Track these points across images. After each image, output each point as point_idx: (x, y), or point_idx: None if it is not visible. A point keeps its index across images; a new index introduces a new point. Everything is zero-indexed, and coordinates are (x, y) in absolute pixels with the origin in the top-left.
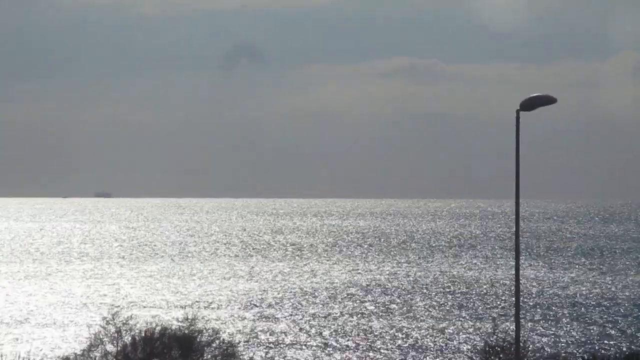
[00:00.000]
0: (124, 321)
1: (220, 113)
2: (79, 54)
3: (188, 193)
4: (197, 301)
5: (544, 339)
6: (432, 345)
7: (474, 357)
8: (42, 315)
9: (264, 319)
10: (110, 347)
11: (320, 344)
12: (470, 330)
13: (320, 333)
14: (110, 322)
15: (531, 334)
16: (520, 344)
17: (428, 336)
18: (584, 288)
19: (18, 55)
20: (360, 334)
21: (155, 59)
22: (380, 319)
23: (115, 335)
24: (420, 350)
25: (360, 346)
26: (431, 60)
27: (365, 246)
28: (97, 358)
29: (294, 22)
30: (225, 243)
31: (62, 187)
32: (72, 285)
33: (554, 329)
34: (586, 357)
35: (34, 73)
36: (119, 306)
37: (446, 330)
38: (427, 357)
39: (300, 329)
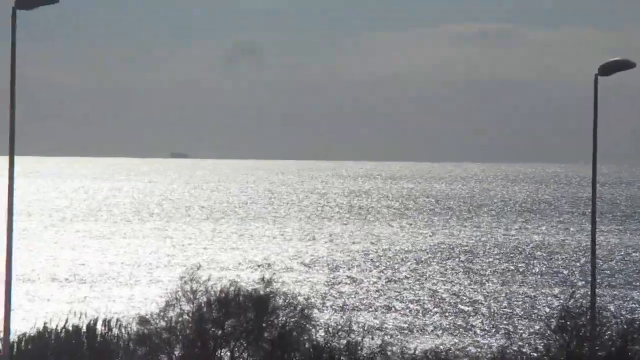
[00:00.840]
0: (200, 281)
1: (295, 75)
2: (156, 16)
3: (264, 155)
4: (273, 262)
5: (621, 305)
6: (510, 311)
7: (551, 322)
8: (119, 274)
9: (339, 282)
10: (186, 307)
11: (396, 308)
12: (548, 295)
13: (397, 297)
14: (187, 281)
15: (607, 299)
16: (596, 309)
17: (505, 301)
18: None
19: (99, 18)
20: (436, 297)
21: (234, 19)
22: (458, 283)
23: (191, 295)
24: (497, 315)
25: (435, 310)
26: (505, 25)
27: (442, 210)
28: (173, 317)
29: None
30: (299, 205)
31: (139, 147)
32: (148, 245)
33: (630, 295)
34: None
35: (109, 35)
36: (194, 266)
37: (524, 295)
38: (504, 322)
39: (377, 292)
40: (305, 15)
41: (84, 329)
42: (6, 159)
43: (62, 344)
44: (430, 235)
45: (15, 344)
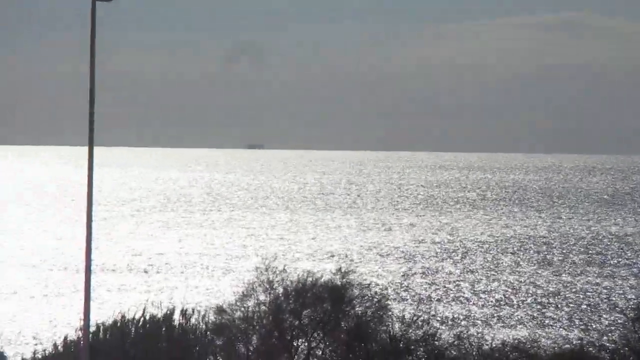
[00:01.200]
0: (276, 272)
1: (363, 66)
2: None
3: (339, 146)
4: (349, 253)
5: None
6: (587, 302)
7: (629, 313)
8: (196, 265)
9: (415, 273)
10: (263, 297)
11: (472, 299)
12: (625, 286)
13: (473, 288)
14: (263, 272)
15: None
16: None
17: (582, 292)
18: None
19: (168, 8)
20: (512, 289)
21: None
22: (534, 274)
23: (268, 285)
24: (574, 306)
25: (511, 301)
26: (580, 13)
27: (522, 201)
28: (250, 307)
29: None
30: (376, 196)
31: (216, 138)
32: (224, 236)
33: None
34: None
35: (191, 26)
36: (271, 256)
37: (601, 286)
38: (582, 313)
39: (453, 283)
40: (395, 4)
41: (162, 318)
42: (84, 149)
43: (141, 333)
44: (506, 226)
45: (94, 333)
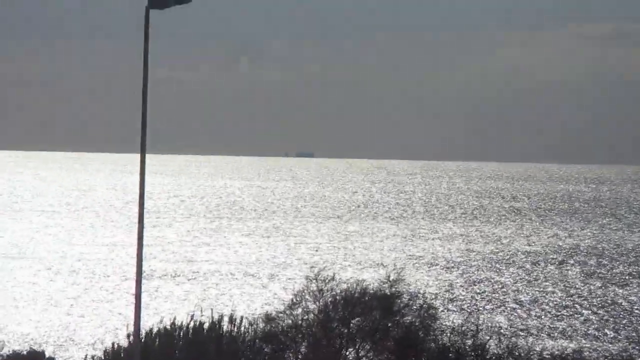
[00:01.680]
0: (325, 280)
1: (415, 76)
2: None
3: (388, 154)
4: (398, 262)
5: None
6: (633, 316)
7: None
8: (245, 272)
9: (465, 282)
10: (312, 305)
11: (523, 309)
12: None
13: (525, 298)
14: (312, 280)
15: None
16: None
17: (635, 303)
18: None
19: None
20: (565, 299)
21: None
22: (588, 285)
23: (317, 293)
24: (627, 316)
25: (565, 312)
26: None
27: (572, 212)
28: (298, 315)
29: None
30: (424, 205)
31: (266, 146)
32: (273, 243)
33: None
34: None
35: (227, 34)
36: (320, 265)
37: None
38: (633, 324)
39: (504, 292)
40: (423, 13)
41: (211, 326)
42: (134, 156)
43: (189, 340)
44: (556, 237)
45: (144, 340)
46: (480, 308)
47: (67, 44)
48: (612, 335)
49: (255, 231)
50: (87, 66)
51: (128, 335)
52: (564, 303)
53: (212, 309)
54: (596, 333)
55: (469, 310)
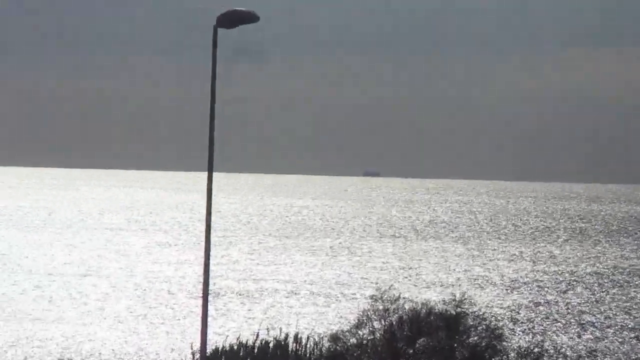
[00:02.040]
0: (391, 299)
1: (473, 93)
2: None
3: (457, 174)
4: (463, 282)
5: None
6: None
7: None
8: (311, 290)
9: (531, 303)
10: (377, 325)
11: (589, 330)
12: None
13: (591, 319)
14: (378, 299)
15: None
16: None
17: None
18: None
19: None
20: (629, 322)
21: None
22: None
23: (383, 313)
24: None
25: (632, 335)
26: None
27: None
28: (364, 335)
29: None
30: (491, 225)
31: (331, 165)
32: (339, 262)
33: None
34: None
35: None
36: (385, 284)
37: None
38: None
39: (569, 314)
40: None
41: (276, 344)
42: (200, 174)
43: (255, 358)
44: (625, 258)
45: (210, 358)
46: (546, 330)
47: (137, 60)
48: None
49: (321, 250)
50: (152, 84)
51: (193, 354)
52: (631, 325)
53: (281, 328)
54: None
55: (534, 332)
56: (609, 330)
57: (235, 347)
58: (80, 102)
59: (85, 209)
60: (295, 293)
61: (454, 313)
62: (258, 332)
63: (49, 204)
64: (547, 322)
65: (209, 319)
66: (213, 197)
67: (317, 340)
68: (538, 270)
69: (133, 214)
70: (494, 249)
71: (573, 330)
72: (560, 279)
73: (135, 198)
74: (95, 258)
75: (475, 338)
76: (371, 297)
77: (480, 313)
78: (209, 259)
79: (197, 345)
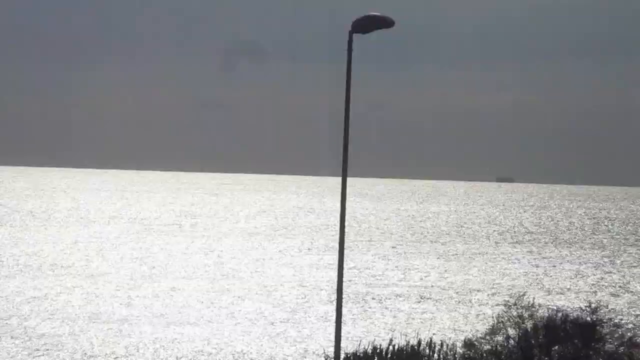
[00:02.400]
0: (526, 306)
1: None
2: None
3: (595, 180)
4: (597, 288)
5: None
6: None
7: None
8: (441, 296)
9: None
10: (511, 332)
11: None
12: None
13: None
14: (513, 306)
15: None
16: None
17: None
18: None
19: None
20: None
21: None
22: None
23: (518, 320)
24: None
25: None
26: None
27: None
28: (499, 341)
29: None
30: (630, 232)
31: (465, 170)
32: (470, 268)
33: None
34: None
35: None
36: (520, 291)
37: None
38: None
39: None
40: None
41: (410, 351)
42: (334, 179)
43: None
44: None
45: None
46: None
47: (269, 65)
48: None
49: (454, 255)
50: (286, 89)
51: (326, 359)
52: None
53: (417, 332)
54: None
55: None
56: None
57: (370, 353)
58: (211, 106)
59: (220, 213)
60: (428, 298)
61: (590, 321)
62: (392, 338)
63: (198, 210)
64: None
65: (343, 324)
66: (347, 201)
67: (450, 345)
68: None
69: (266, 218)
70: (631, 255)
71: None
72: None
73: (265, 202)
74: (231, 262)
75: (612, 346)
76: (505, 303)
77: (617, 321)
78: (342, 264)
79: (329, 350)
